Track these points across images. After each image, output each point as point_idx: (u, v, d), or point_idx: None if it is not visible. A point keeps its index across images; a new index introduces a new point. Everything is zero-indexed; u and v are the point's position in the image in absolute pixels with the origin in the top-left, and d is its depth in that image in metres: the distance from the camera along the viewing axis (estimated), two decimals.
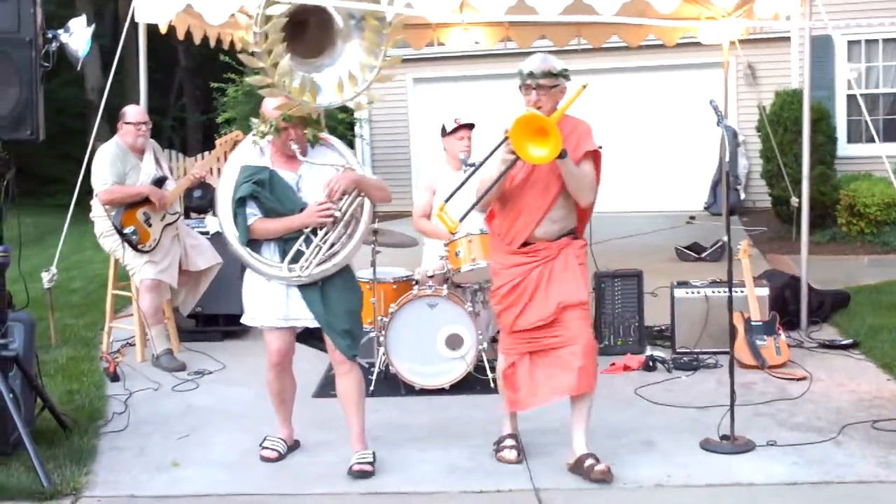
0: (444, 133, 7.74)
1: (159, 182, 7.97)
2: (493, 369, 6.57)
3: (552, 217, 5.46)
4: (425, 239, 7.89)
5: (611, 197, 15.62)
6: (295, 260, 5.47)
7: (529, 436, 5.81)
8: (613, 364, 7.58)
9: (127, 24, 8.73)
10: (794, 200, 8.85)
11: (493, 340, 7.20)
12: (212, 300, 8.68)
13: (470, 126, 7.68)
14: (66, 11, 18.84)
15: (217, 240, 8.65)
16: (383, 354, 7.10)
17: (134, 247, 7.74)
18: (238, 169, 5.57)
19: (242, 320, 5.85)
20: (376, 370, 7.20)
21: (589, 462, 5.39)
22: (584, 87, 5.31)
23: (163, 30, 8.95)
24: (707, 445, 5.80)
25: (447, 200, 5.40)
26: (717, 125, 5.94)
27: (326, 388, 7.11)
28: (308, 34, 5.35)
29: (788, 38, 15.38)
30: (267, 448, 5.87)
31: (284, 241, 5.50)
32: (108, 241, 7.95)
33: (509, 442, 5.70)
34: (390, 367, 7.09)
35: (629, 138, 16.98)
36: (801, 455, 5.65)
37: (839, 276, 10.66)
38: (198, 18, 8.80)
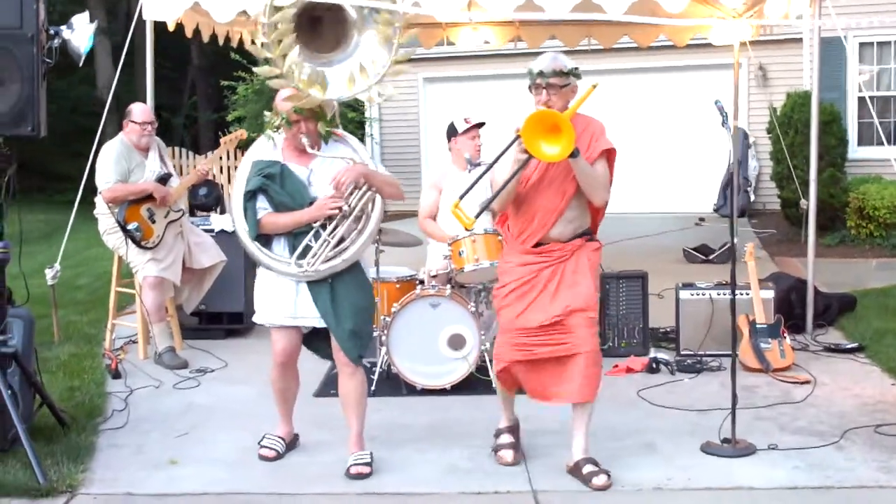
0: (454, 133, 7.72)
1: (163, 179, 7.96)
2: None
3: (567, 217, 5.39)
4: (430, 238, 7.86)
5: (620, 198, 15.50)
6: (304, 255, 5.43)
7: (528, 437, 5.78)
8: (617, 366, 7.55)
9: (134, 22, 8.71)
10: (803, 203, 8.81)
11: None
12: (215, 298, 8.69)
13: (480, 125, 7.67)
14: (79, 9, 18.86)
15: (221, 238, 8.67)
16: (385, 354, 7.07)
17: (137, 243, 7.74)
18: (250, 164, 5.57)
19: (253, 318, 5.84)
20: (378, 370, 7.18)
21: (588, 468, 5.36)
22: (595, 86, 5.25)
23: (170, 27, 8.94)
24: (708, 449, 5.76)
25: (462, 197, 5.35)
26: (722, 126, 5.88)
27: (328, 387, 7.09)
28: (323, 29, 5.37)
29: (800, 40, 15.30)
30: (265, 447, 5.85)
31: (294, 237, 5.46)
32: (112, 237, 7.95)
33: (505, 439, 5.66)
34: (392, 367, 7.06)
35: (639, 139, 16.91)
36: (803, 459, 5.61)
37: (847, 279, 10.61)
38: (205, 16, 8.77)
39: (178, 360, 7.91)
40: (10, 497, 5.24)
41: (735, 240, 9.12)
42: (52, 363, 7.82)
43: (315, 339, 5.76)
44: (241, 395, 7.17)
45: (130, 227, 7.69)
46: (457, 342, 6.96)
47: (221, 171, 16.97)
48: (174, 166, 15.77)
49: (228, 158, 16.75)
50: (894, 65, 15.50)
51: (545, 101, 5.30)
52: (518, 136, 5.16)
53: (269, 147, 5.60)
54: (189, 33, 9.43)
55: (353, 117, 16.38)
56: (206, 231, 8.68)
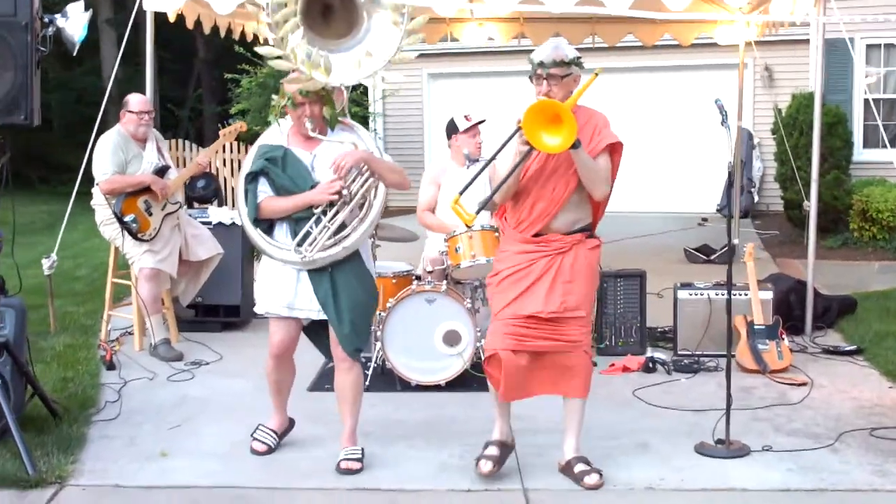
0: (454, 130, 7.71)
1: (161, 171, 7.93)
2: None
3: (568, 209, 5.27)
4: (428, 233, 7.85)
5: (623, 197, 15.51)
6: (304, 242, 5.39)
7: (521, 435, 5.71)
8: (613, 365, 7.51)
9: (134, 12, 8.67)
10: (806, 204, 8.78)
11: None
12: (212, 291, 8.66)
13: (481, 123, 7.66)
14: None
15: (219, 230, 8.65)
16: (380, 349, 7.04)
17: (134, 235, 7.71)
18: (256, 148, 5.57)
19: (254, 309, 5.81)
20: (373, 365, 7.14)
21: (580, 467, 5.32)
22: (597, 74, 5.19)
23: (171, 18, 8.91)
24: (702, 449, 5.73)
25: (462, 193, 5.30)
26: (722, 125, 5.83)
27: (322, 381, 7.07)
28: (334, 17, 5.37)
29: (807, 41, 15.23)
30: (257, 440, 5.82)
31: (296, 223, 5.42)
32: (108, 229, 7.92)
33: (492, 451, 5.42)
34: (387, 363, 7.03)
35: (643, 139, 16.84)
36: (797, 461, 5.58)
37: (849, 281, 10.56)
38: (206, 7, 8.74)
39: (173, 352, 7.88)
40: None
41: (736, 240, 9.07)
42: (46, 353, 7.81)
43: (314, 332, 5.72)
44: (236, 388, 7.14)
45: (127, 218, 7.66)
46: (452, 338, 6.93)
47: (225, 164, 16.91)
48: (177, 158, 15.87)
49: (233, 151, 16.71)
50: None
51: (546, 91, 5.19)
52: (519, 128, 5.08)
53: (276, 132, 5.59)
54: (190, 24, 9.40)
55: (356, 112, 16.32)
56: (204, 223, 8.64)
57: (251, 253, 9.06)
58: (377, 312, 7.04)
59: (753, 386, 7.06)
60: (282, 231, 5.48)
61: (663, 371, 7.43)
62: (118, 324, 8.61)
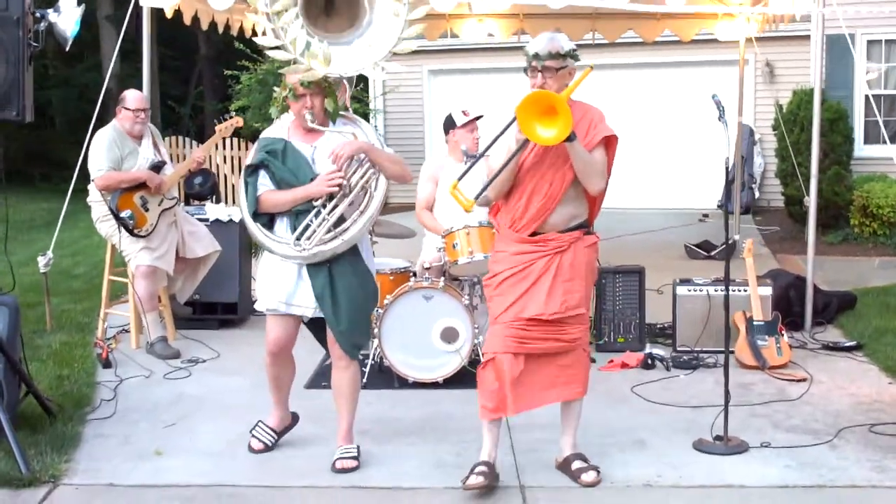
0: (452, 126, 7.68)
1: (157, 167, 7.90)
2: None
3: (564, 205, 5.17)
4: (425, 230, 7.81)
5: (624, 193, 15.55)
6: (303, 235, 5.33)
7: (518, 431, 5.69)
8: (612, 361, 7.48)
9: (131, 8, 8.64)
10: (806, 200, 8.75)
11: None
12: (209, 288, 8.63)
13: (478, 118, 7.63)
14: None
15: (216, 227, 8.61)
16: (377, 346, 7.00)
17: (130, 231, 7.67)
18: (257, 141, 5.54)
19: (255, 305, 5.78)
20: (370, 362, 7.11)
21: (577, 464, 5.29)
22: (591, 68, 5.14)
23: (168, 14, 8.89)
24: (700, 446, 5.70)
25: (460, 179, 5.23)
26: (719, 120, 5.79)
27: (319, 379, 7.04)
28: (336, 10, 5.38)
29: (808, 37, 15.18)
30: (255, 438, 5.80)
31: (296, 216, 5.36)
32: (105, 225, 7.90)
33: (480, 469, 5.18)
34: (384, 360, 7.00)
35: (644, 135, 16.84)
36: (795, 458, 5.54)
37: (849, 277, 10.53)
38: (203, 2, 8.72)
39: (170, 349, 7.85)
40: None
41: (737, 236, 9.05)
42: (43, 351, 7.78)
43: (317, 327, 5.66)
44: (232, 385, 7.11)
45: (123, 214, 7.63)
46: (450, 335, 6.89)
47: (225, 161, 16.90)
48: (178, 156, 15.83)
49: (233, 148, 16.68)
50: None
51: (540, 84, 5.11)
52: (515, 119, 5.00)
53: (278, 126, 5.56)
54: (187, 20, 9.36)
55: (356, 108, 16.29)
56: (201, 220, 8.61)
57: (249, 250, 9.04)
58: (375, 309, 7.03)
59: (752, 382, 7.02)
60: (282, 225, 5.43)
61: (662, 367, 7.39)
62: (115, 321, 8.56)
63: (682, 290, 7.85)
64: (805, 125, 13.01)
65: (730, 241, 10.90)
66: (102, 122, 8.24)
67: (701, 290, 7.81)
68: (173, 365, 7.59)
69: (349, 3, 5.33)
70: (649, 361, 7.42)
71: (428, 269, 7.29)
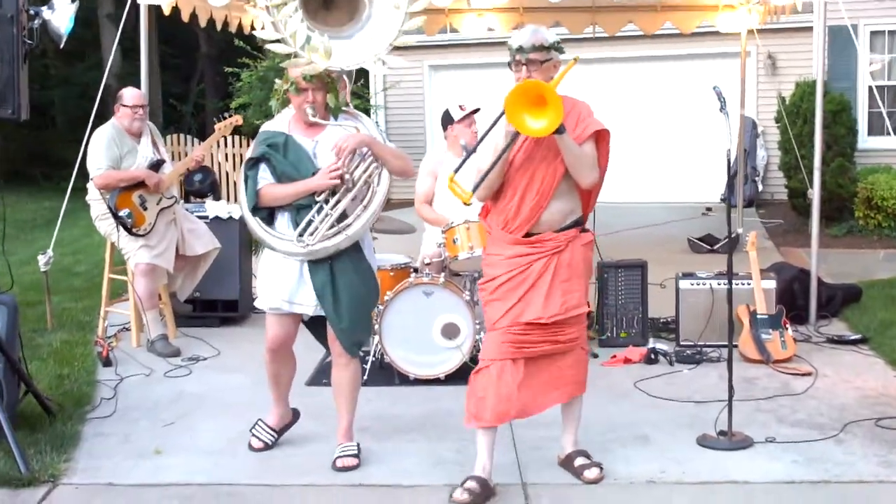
0: (449, 120, 7.64)
1: (156, 165, 7.86)
2: None
3: (557, 201, 5.06)
4: (426, 225, 7.77)
5: (627, 187, 15.55)
6: (306, 231, 5.27)
7: (520, 429, 5.62)
8: (614, 356, 7.43)
9: (128, 5, 8.61)
10: (810, 193, 8.71)
11: None
12: (210, 285, 8.60)
13: (475, 111, 7.59)
14: None
15: (216, 224, 8.58)
16: (378, 343, 6.96)
17: (129, 230, 7.64)
18: (258, 135, 5.49)
19: (255, 303, 5.74)
20: (371, 359, 7.06)
21: (580, 461, 5.25)
22: (576, 60, 5.05)
23: (166, 11, 8.87)
24: (703, 441, 5.65)
25: (456, 171, 5.14)
26: (720, 111, 5.74)
27: (320, 376, 7.00)
28: (336, 4, 5.34)
29: (810, 28, 15.05)
30: (255, 437, 5.76)
31: (297, 212, 5.30)
32: (104, 224, 7.87)
33: (469, 484, 5.03)
34: (385, 357, 6.95)
35: (646, 128, 16.81)
36: (801, 453, 5.49)
37: (854, 269, 10.46)
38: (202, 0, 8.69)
39: (170, 347, 7.82)
40: None
41: (740, 230, 8.98)
42: (43, 350, 7.76)
43: (316, 326, 5.61)
44: (233, 383, 7.08)
45: (122, 213, 7.60)
46: (451, 331, 6.85)
47: (227, 159, 16.89)
48: (179, 153, 15.81)
49: (234, 146, 16.66)
50: None
51: (525, 77, 4.99)
52: (504, 113, 4.89)
53: (278, 119, 5.50)
54: (185, 17, 9.34)
55: (357, 104, 16.25)
56: (201, 218, 8.57)
57: (249, 247, 9.00)
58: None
59: (756, 376, 6.97)
60: (283, 221, 5.36)
61: (665, 362, 7.35)
62: (115, 320, 8.53)
63: (685, 284, 7.80)
64: (808, 117, 12.96)
65: (733, 235, 10.90)
66: (101, 120, 8.20)
67: (704, 284, 7.76)
68: (174, 363, 7.56)
69: None
70: (652, 356, 7.38)
71: (428, 264, 7.24)
